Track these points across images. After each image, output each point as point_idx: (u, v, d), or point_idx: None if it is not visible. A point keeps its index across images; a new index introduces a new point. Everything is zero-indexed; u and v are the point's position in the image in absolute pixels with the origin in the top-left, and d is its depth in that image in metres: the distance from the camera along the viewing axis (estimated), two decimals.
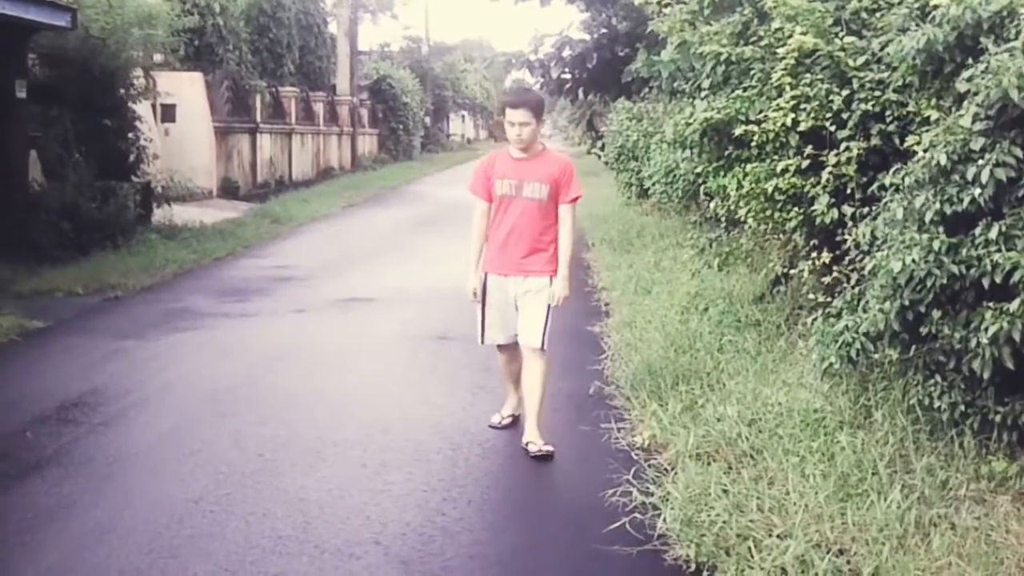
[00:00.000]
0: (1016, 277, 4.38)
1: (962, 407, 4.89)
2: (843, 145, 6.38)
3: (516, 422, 6.04)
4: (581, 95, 18.58)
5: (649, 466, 5.23)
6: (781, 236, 7.78)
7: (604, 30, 17.20)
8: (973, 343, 4.60)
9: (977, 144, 4.63)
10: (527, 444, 5.61)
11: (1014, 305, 4.38)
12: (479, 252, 5.83)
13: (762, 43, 7.20)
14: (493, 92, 62.39)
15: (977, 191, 4.59)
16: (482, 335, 5.88)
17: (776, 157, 6.84)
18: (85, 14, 13.75)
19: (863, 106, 6.31)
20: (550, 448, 5.55)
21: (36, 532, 4.55)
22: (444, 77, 53.31)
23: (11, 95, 12.43)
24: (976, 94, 4.71)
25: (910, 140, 5.59)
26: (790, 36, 6.67)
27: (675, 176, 12.09)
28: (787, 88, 6.63)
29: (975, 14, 5.03)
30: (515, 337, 5.78)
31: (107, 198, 13.64)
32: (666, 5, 8.64)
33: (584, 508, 4.88)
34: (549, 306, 5.66)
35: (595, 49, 16.86)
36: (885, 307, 4.93)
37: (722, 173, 7.50)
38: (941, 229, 4.74)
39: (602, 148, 21.22)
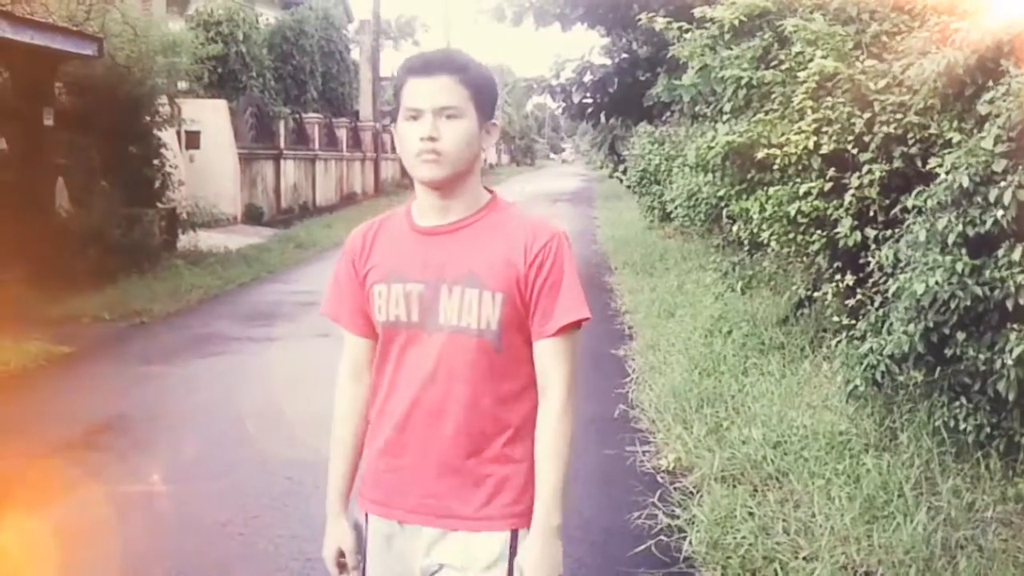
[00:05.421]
0: None
1: (988, 429, 4.88)
2: (865, 168, 6.38)
3: None
4: (603, 119, 18.61)
5: (674, 489, 5.25)
6: (804, 259, 7.77)
7: (625, 55, 17.25)
8: (998, 364, 4.60)
9: (999, 166, 4.64)
10: None
11: None
12: (350, 463, 2.43)
13: (783, 67, 7.23)
14: (515, 117, 62.32)
15: (1000, 213, 4.60)
16: None
17: (798, 180, 6.86)
18: (111, 43, 13.91)
19: (885, 129, 6.32)
20: None
21: (65, 557, 4.58)
22: None
23: (39, 123, 12.59)
24: (997, 116, 4.73)
25: (932, 162, 5.60)
26: (811, 60, 6.70)
27: (697, 199, 12.09)
28: (808, 111, 6.65)
29: (995, 37, 5.06)
30: None
31: (133, 225, 13.78)
32: (687, 30, 8.67)
33: (609, 531, 4.88)
34: None
35: (616, 74, 16.89)
36: (909, 329, 4.93)
37: (744, 196, 7.53)
38: (964, 251, 4.74)
39: (624, 172, 21.27)
